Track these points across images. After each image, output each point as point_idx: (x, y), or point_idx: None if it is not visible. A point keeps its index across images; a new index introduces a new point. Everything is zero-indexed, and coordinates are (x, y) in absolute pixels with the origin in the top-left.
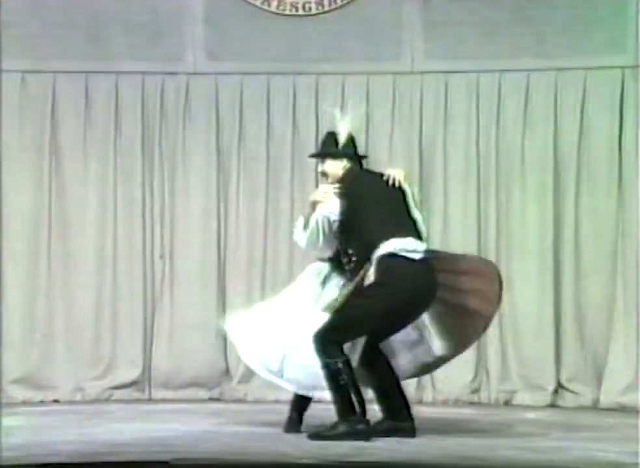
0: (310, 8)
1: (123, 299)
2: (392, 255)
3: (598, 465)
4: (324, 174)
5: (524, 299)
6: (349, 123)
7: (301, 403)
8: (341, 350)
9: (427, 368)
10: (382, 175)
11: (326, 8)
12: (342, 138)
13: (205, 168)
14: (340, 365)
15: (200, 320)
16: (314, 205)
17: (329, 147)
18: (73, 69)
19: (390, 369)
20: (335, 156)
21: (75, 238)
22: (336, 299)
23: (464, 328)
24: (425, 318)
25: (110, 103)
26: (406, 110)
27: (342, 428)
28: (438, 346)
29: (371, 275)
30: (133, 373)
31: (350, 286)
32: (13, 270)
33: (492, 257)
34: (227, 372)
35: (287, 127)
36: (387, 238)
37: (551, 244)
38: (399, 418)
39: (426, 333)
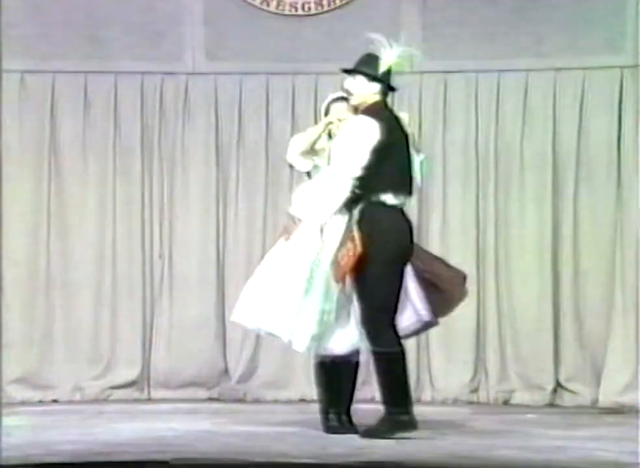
0: (309, 8)
1: (123, 299)
2: (377, 204)
3: (596, 464)
4: (348, 93)
5: (523, 299)
6: (396, 56)
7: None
8: (397, 334)
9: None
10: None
11: (325, 8)
12: (383, 66)
13: (204, 167)
14: (399, 351)
15: (199, 319)
16: (326, 126)
17: (367, 66)
18: (72, 69)
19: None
20: (372, 78)
21: (74, 238)
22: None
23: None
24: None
25: (110, 102)
26: (405, 110)
27: (389, 423)
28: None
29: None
30: (132, 373)
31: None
32: (12, 269)
33: (490, 257)
34: (226, 371)
35: (286, 126)
36: (386, 190)
37: (549, 244)
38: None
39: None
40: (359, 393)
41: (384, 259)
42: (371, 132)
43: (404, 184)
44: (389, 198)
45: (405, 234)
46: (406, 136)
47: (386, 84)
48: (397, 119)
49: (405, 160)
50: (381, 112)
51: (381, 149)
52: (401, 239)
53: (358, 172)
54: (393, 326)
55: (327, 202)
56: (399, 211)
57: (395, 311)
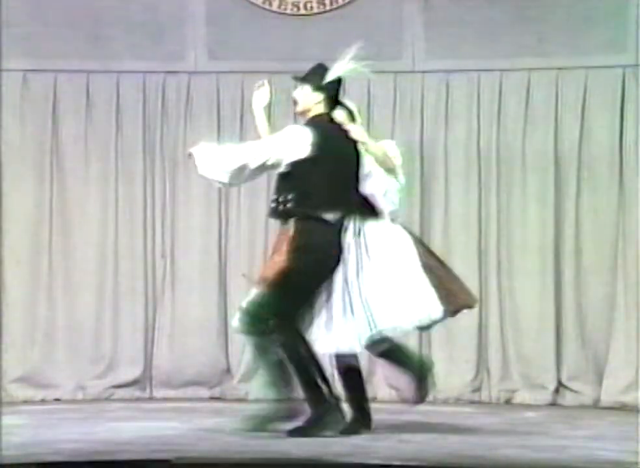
0: (312, 8)
1: (125, 299)
2: (309, 218)
3: (598, 463)
4: (295, 101)
5: (525, 298)
6: (346, 70)
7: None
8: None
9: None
10: (342, 128)
11: (328, 8)
12: (331, 75)
13: None
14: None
15: (201, 319)
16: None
17: (314, 76)
18: (74, 69)
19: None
20: (316, 87)
21: (76, 237)
22: None
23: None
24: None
25: (112, 102)
26: (407, 110)
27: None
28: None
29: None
30: (134, 372)
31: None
32: (15, 269)
33: (492, 256)
34: (228, 371)
35: (287, 125)
36: (318, 204)
37: (551, 243)
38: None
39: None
40: None
41: (303, 273)
42: (297, 140)
43: (341, 200)
44: (321, 213)
45: (330, 252)
46: (355, 151)
47: (332, 95)
48: (342, 133)
49: (347, 175)
50: (321, 123)
51: (312, 160)
52: (325, 257)
53: (256, 162)
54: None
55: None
56: (332, 226)
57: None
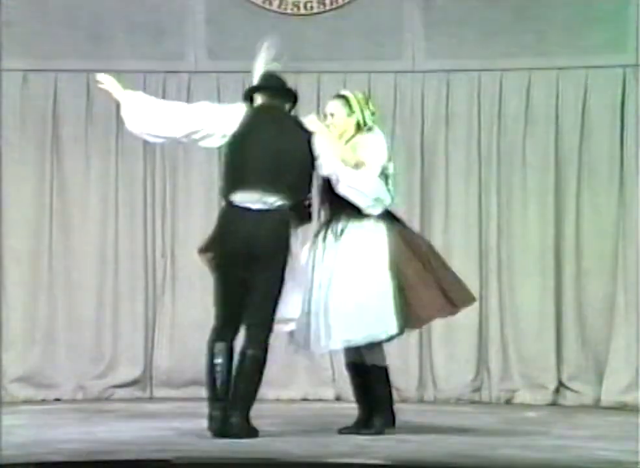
0: (312, 7)
1: (125, 298)
2: (227, 204)
3: (598, 463)
4: None
5: (525, 298)
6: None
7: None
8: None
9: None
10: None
11: (328, 7)
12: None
13: (206, 166)
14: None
15: (201, 318)
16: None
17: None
18: (74, 68)
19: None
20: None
21: (76, 237)
22: None
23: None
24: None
25: (112, 101)
26: (408, 109)
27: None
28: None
29: None
30: (135, 372)
31: None
32: (15, 268)
33: (493, 255)
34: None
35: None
36: (234, 187)
37: (552, 243)
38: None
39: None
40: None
41: (215, 262)
42: (230, 115)
43: (261, 182)
44: (236, 197)
45: (238, 238)
46: (306, 145)
47: (259, 87)
48: (291, 125)
49: (281, 162)
50: (266, 109)
51: (235, 142)
52: (231, 244)
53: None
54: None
55: None
56: (246, 212)
57: (228, 319)
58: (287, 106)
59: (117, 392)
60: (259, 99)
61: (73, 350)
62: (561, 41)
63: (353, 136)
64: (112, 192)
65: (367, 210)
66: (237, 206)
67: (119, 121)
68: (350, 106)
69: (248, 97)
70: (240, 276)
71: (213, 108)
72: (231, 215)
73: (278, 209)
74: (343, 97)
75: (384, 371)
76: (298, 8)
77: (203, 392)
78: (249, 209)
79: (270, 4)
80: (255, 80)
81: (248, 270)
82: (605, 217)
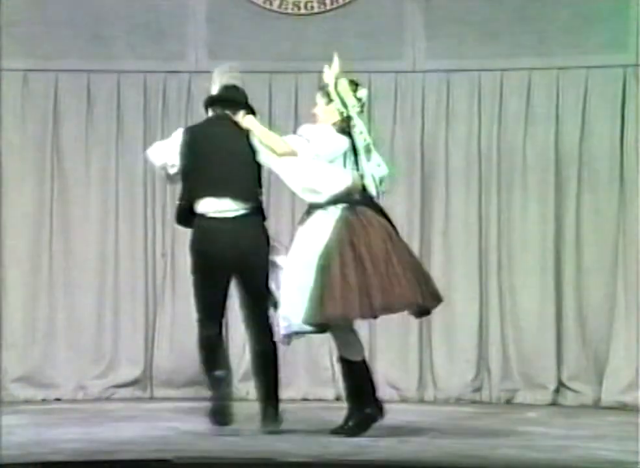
0: (312, 7)
1: (125, 298)
2: (195, 215)
3: (598, 463)
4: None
5: (525, 298)
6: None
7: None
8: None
9: None
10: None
11: (328, 7)
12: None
13: None
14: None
15: None
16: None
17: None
18: (75, 68)
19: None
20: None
21: (76, 237)
22: None
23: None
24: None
25: (112, 101)
26: (408, 109)
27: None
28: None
29: None
30: (135, 371)
31: None
32: (15, 268)
33: (493, 256)
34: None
35: (289, 125)
36: (203, 195)
37: (552, 243)
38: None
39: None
40: None
41: (193, 269)
42: (171, 142)
43: (219, 190)
44: (200, 206)
45: (215, 244)
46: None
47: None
48: (227, 127)
49: (229, 163)
50: (202, 122)
51: (186, 154)
52: (208, 250)
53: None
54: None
55: None
56: (214, 221)
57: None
58: (241, 113)
59: (117, 392)
60: (210, 112)
61: (74, 349)
62: (561, 41)
63: (337, 123)
64: (112, 192)
65: (305, 199)
66: (211, 217)
67: (119, 121)
68: (328, 94)
69: (206, 109)
70: (226, 279)
71: (156, 146)
72: (208, 225)
73: (250, 212)
74: (324, 86)
75: (358, 365)
76: (299, 8)
77: (203, 391)
78: (225, 218)
79: (271, 4)
80: (214, 91)
81: (237, 273)
82: (605, 216)
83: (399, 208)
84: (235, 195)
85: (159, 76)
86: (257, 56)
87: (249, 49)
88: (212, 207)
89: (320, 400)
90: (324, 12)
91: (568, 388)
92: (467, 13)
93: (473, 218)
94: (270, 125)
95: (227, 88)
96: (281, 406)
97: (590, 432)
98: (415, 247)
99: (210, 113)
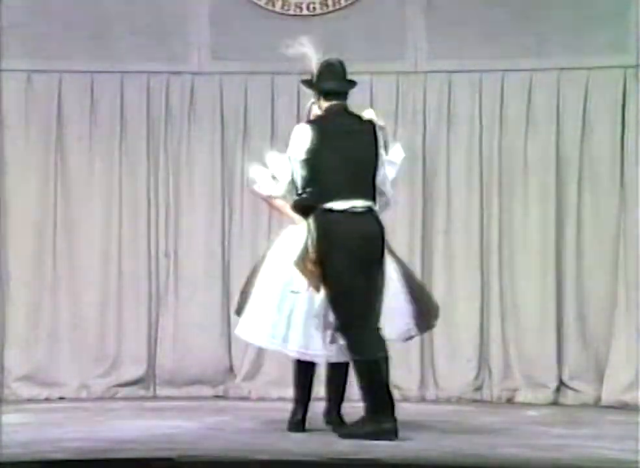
0: (314, 8)
1: (128, 298)
2: (325, 211)
3: (599, 462)
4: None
5: (526, 298)
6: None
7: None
8: (380, 338)
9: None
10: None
11: (330, 9)
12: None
13: (210, 166)
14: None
15: (205, 318)
16: None
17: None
18: (78, 69)
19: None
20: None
21: (80, 237)
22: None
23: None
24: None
25: (116, 102)
26: (410, 110)
27: (369, 427)
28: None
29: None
30: (138, 371)
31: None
32: (19, 268)
33: (494, 256)
34: (231, 369)
35: (291, 126)
36: (335, 196)
37: (553, 244)
38: (381, 418)
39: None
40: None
41: (338, 266)
42: (301, 139)
43: (350, 188)
44: (335, 204)
45: (358, 238)
46: (354, 134)
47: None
48: (338, 121)
49: (349, 163)
50: (319, 118)
51: (313, 155)
52: (353, 244)
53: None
54: (376, 330)
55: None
56: (352, 215)
57: (373, 313)
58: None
59: (121, 391)
60: (323, 101)
61: (77, 348)
62: (562, 42)
63: None
64: (115, 192)
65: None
66: (342, 210)
67: (123, 121)
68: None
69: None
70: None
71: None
72: (341, 220)
73: (372, 208)
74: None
75: (343, 367)
76: (301, 9)
77: (206, 390)
78: (355, 212)
79: (273, 5)
80: (314, 68)
81: (371, 269)
82: (605, 217)
83: (401, 208)
84: (363, 196)
85: (162, 77)
86: (260, 57)
87: (251, 50)
88: (343, 205)
89: (321, 399)
90: (326, 13)
91: (569, 387)
92: (469, 15)
93: (475, 218)
94: (273, 126)
95: (336, 68)
96: (282, 406)
97: (591, 431)
98: (416, 248)
99: (326, 104)
